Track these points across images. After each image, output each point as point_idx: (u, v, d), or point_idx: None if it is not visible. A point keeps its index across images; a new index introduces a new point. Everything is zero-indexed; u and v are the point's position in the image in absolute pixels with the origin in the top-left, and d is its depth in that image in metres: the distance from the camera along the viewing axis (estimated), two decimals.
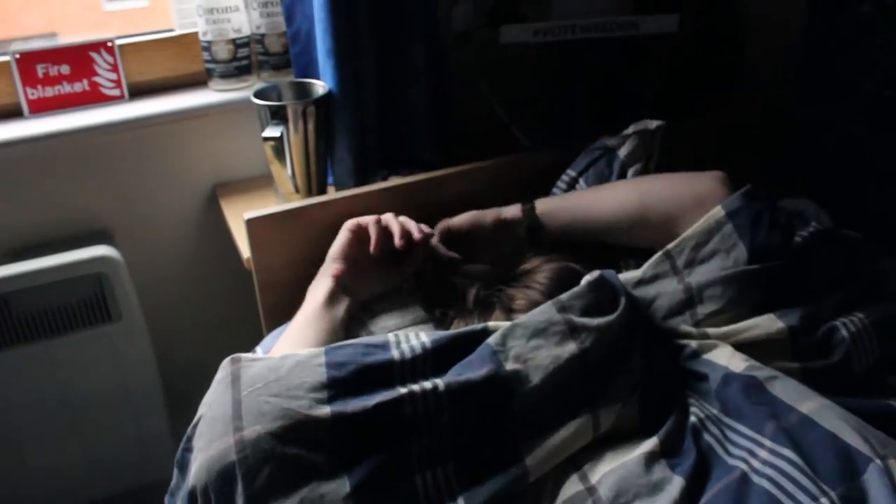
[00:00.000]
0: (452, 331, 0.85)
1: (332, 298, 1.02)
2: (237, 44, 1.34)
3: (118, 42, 1.33)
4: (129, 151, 1.32)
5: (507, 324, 0.84)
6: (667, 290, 0.95)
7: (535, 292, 0.94)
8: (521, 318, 0.84)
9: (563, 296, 0.86)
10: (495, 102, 1.42)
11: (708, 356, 0.88)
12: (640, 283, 0.97)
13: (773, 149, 1.41)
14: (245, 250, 1.15)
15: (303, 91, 1.27)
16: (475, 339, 0.83)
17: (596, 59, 1.38)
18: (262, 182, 1.37)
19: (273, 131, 1.15)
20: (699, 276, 0.94)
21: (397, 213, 1.08)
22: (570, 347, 0.81)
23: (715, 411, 0.83)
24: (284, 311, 1.11)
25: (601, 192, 1.11)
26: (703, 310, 0.93)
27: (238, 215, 1.27)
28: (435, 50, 1.32)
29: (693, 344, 0.90)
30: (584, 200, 1.11)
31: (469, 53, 1.40)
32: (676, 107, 1.38)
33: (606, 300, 0.87)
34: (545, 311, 0.84)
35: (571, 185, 1.19)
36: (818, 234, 1.02)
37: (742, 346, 0.89)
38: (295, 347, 0.93)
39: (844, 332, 0.92)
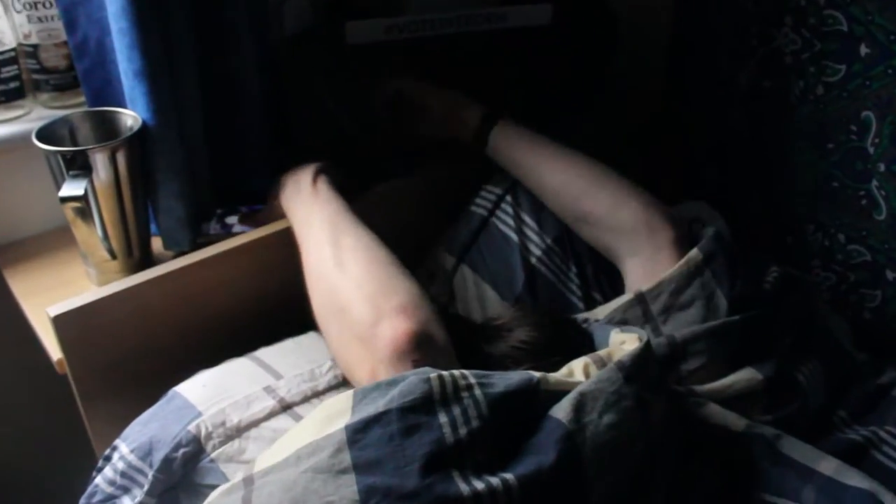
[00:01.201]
0: (502, 382, 0.65)
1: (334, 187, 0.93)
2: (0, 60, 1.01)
3: None
4: None
5: (560, 379, 0.69)
6: None
7: (519, 352, 0.79)
8: (587, 386, 0.67)
9: (626, 360, 0.70)
10: (343, 115, 1.19)
11: (701, 415, 0.80)
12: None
13: (651, 147, 1.32)
14: (54, 350, 0.86)
15: (104, 123, 0.97)
16: (529, 395, 0.66)
17: (459, 56, 1.19)
18: (56, 239, 1.05)
19: (74, 188, 0.85)
20: (677, 326, 0.86)
21: (260, 267, 0.94)
22: (642, 430, 0.68)
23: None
24: (121, 419, 0.85)
25: (558, 158, 1.02)
26: (686, 367, 0.84)
27: (33, 291, 0.97)
28: (264, 57, 1.06)
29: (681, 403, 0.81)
30: (538, 155, 1.02)
31: (306, 58, 1.15)
32: (548, 103, 1.24)
33: (654, 367, 0.75)
34: (613, 380, 0.68)
35: (497, 205, 1.07)
36: (782, 280, 0.94)
37: (720, 402, 0.82)
38: (360, 263, 0.80)
39: (801, 377, 0.88)
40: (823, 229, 1.19)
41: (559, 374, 0.71)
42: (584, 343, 0.84)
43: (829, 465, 0.75)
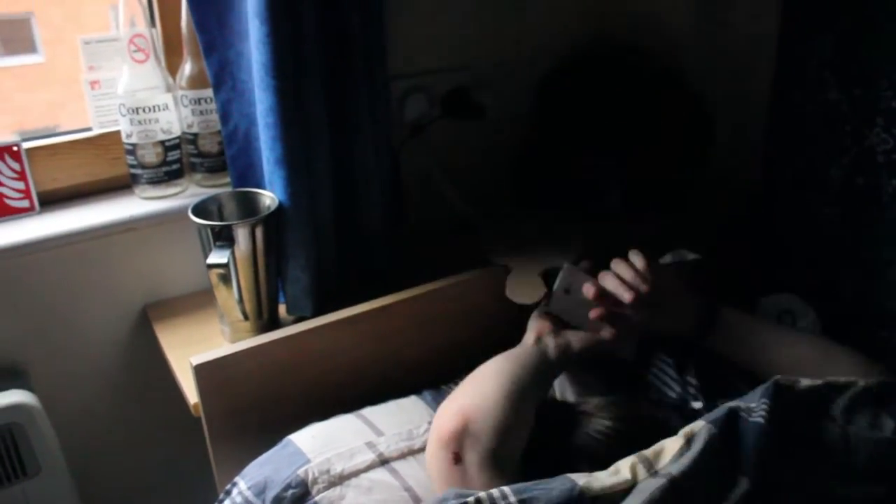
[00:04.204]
0: (543, 497, 0.70)
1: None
2: (167, 146, 1.19)
3: (25, 145, 1.16)
4: (42, 273, 1.13)
5: (605, 484, 0.72)
6: None
7: (596, 442, 0.84)
8: (636, 500, 0.70)
9: (676, 470, 0.72)
10: (458, 198, 1.31)
11: None
12: None
13: (746, 239, 1.37)
14: (191, 395, 0.99)
15: (246, 202, 1.12)
16: None
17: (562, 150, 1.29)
18: (199, 300, 1.21)
19: (220, 257, 1.00)
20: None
21: (370, 336, 1.02)
22: None
23: None
24: (242, 459, 0.96)
25: (780, 341, 0.99)
26: None
27: (176, 343, 1.12)
28: (386, 147, 1.20)
29: None
30: (762, 341, 0.99)
31: (423, 146, 1.29)
32: (645, 198, 1.31)
33: (728, 470, 0.75)
34: (663, 488, 0.70)
35: None
36: None
37: None
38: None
39: None
40: None
41: (604, 475, 0.73)
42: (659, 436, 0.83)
43: None
